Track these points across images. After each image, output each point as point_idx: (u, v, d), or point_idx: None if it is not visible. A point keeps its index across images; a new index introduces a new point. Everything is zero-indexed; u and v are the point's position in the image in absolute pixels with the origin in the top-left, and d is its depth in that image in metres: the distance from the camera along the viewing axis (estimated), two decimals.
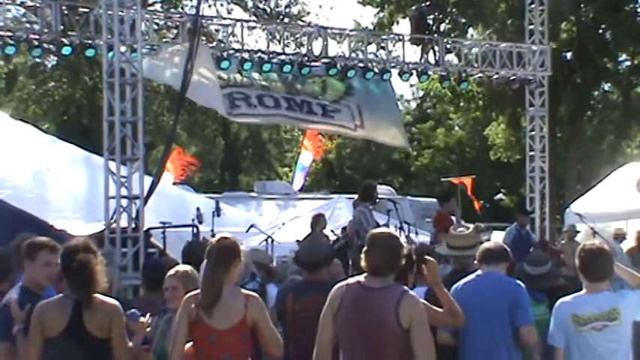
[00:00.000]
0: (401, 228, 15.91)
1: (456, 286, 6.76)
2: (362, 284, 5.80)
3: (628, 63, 33.27)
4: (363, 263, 5.86)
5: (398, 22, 31.37)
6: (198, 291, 5.96)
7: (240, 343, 5.83)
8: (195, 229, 14.20)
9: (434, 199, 27.93)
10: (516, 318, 6.53)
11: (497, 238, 21.55)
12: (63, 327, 5.74)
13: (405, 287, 5.84)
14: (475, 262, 6.94)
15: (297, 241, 13.32)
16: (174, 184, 23.29)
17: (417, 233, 17.22)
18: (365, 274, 5.83)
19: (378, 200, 14.54)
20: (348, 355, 5.77)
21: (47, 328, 5.76)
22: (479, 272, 6.79)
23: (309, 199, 24.45)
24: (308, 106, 17.71)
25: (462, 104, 36.03)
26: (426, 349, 5.60)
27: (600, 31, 30.92)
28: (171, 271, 6.82)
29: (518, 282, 6.75)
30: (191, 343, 5.90)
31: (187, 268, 6.89)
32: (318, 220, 15.42)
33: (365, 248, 5.88)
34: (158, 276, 7.92)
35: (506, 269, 6.86)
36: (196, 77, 15.06)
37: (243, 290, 6.02)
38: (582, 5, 30.57)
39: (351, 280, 5.91)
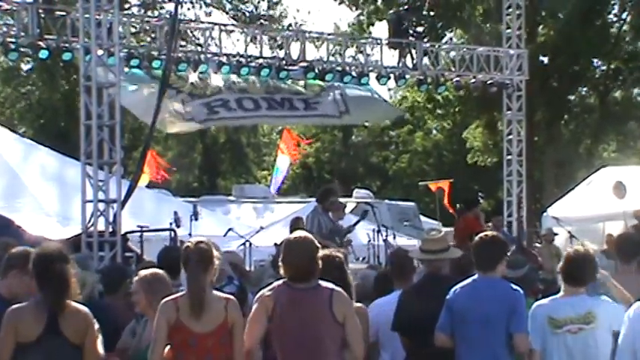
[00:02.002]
0: (379, 231, 15.94)
1: (454, 289, 6.75)
2: (291, 286, 6.00)
3: (604, 68, 33.50)
4: (281, 271, 6.01)
5: (373, 24, 31.45)
6: (176, 295, 5.98)
7: (221, 346, 5.87)
8: (172, 233, 14.18)
9: (411, 203, 28.18)
10: (511, 324, 6.50)
11: None
12: (39, 332, 5.66)
13: (331, 285, 6.02)
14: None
15: (275, 244, 13.31)
16: (150, 186, 23.18)
17: (394, 237, 17.26)
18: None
19: (341, 206, 14.33)
20: (289, 351, 5.94)
21: (21, 334, 5.67)
22: (475, 277, 6.77)
23: (287, 203, 24.43)
24: (289, 103, 17.64)
25: (437, 111, 36.15)
26: (358, 339, 6.04)
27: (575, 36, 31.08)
28: (136, 276, 6.82)
29: (516, 287, 6.68)
30: (168, 346, 5.91)
31: (149, 272, 6.81)
32: (297, 224, 15.38)
33: (281, 256, 6.04)
34: (114, 279, 7.92)
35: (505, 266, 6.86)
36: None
37: (220, 293, 6.07)
38: (557, 11, 30.72)
39: (277, 284, 6.07)
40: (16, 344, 5.67)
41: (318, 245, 6.13)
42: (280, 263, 6.06)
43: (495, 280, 6.70)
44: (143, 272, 6.82)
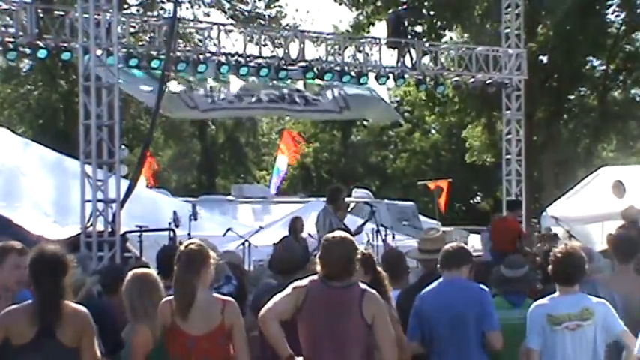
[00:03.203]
0: (378, 231, 15.94)
1: (421, 293, 6.78)
2: (326, 283, 5.91)
3: (603, 67, 33.48)
4: (318, 268, 5.94)
5: (374, 24, 31.45)
6: (171, 297, 5.94)
7: (219, 348, 5.85)
8: (171, 233, 14.17)
9: (410, 203, 28.19)
10: (483, 323, 6.57)
11: (475, 241, 21.66)
12: (32, 335, 5.48)
13: (365, 285, 5.96)
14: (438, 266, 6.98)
15: (274, 244, 13.32)
16: (149, 186, 23.19)
17: (394, 236, 17.27)
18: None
19: (346, 205, 14.36)
20: (313, 346, 5.86)
21: (15, 336, 5.48)
22: (441, 279, 6.81)
23: (286, 203, 24.42)
24: (290, 97, 17.79)
25: (437, 109, 36.11)
26: (389, 342, 5.87)
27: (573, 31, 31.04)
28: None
29: (482, 286, 6.77)
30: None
31: (127, 279, 6.64)
32: (296, 224, 15.39)
33: (318, 254, 5.98)
34: (113, 279, 7.92)
35: (469, 271, 6.88)
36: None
37: (218, 295, 6.05)
38: (555, 9, 30.70)
39: (312, 277, 5.98)
40: (11, 346, 5.48)
41: (358, 246, 6.08)
42: (317, 259, 5.98)
43: (461, 280, 6.76)
44: (127, 277, 6.66)
